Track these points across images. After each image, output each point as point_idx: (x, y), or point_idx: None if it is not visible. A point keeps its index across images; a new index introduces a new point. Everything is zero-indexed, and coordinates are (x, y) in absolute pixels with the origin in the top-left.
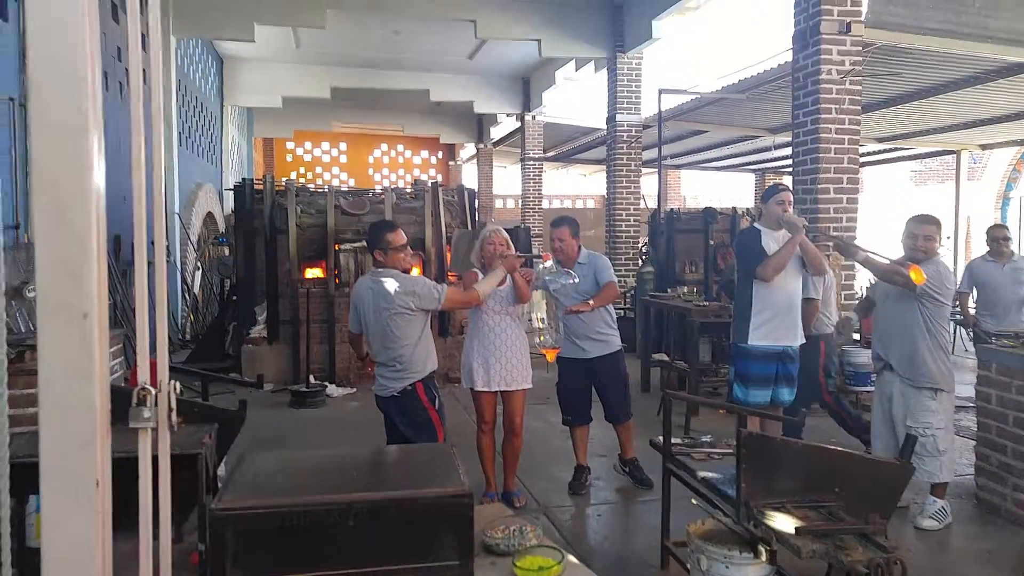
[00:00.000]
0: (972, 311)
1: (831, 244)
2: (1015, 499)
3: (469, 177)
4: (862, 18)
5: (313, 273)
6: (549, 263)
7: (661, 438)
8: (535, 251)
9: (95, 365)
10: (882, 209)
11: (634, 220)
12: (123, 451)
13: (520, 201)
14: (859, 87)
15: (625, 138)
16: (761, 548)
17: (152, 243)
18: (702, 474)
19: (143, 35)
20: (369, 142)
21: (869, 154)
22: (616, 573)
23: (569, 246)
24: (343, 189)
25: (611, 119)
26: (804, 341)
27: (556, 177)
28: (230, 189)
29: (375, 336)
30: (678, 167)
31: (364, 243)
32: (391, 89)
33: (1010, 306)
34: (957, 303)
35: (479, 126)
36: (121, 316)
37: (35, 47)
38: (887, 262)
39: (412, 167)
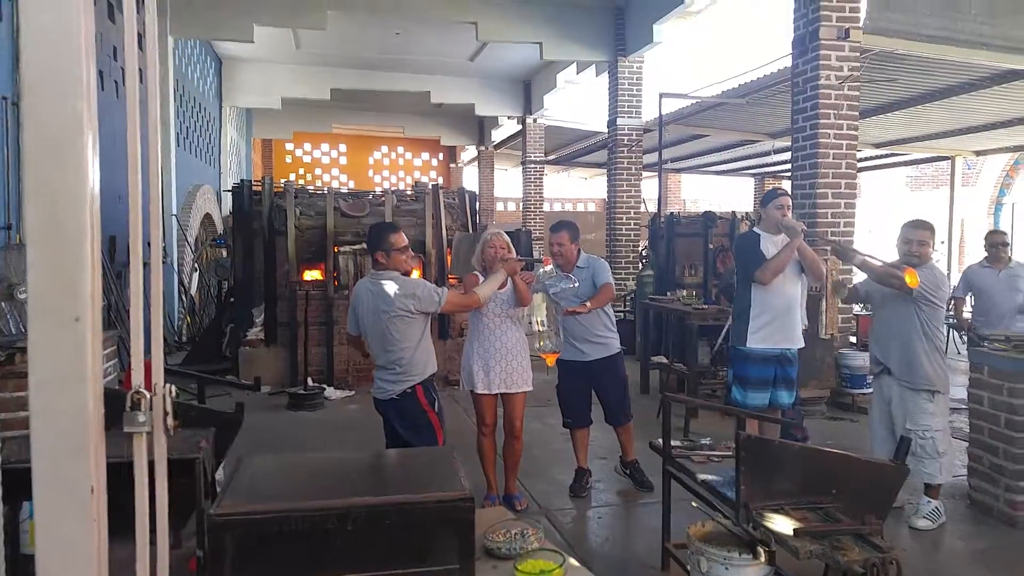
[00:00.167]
0: (967, 316)
1: (828, 248)
2: (1007, 499)
3: (470, 180)
4: (860, 24)
5: (312, 275)
6: (549, 267)
7: (661, 440)
8: (536, 254)
9: (87, 369)
10: (878, 214)
11: (634, 224)
12: (119, 456)
13: (521, 204)
14: (857, 92)
15: (626, 142)
16: (760, 549)
17: (148, 244)
18: (702, 476)
19: (139, 35)
20: (369, 144)
21: (866, 159)
22: (618, 575)
23: (568, 251)
24: (343, 191)
25: (612, 123)
26: (803, 345)
27: (557, 180)
28: (228, 190)
29: (374, 339)
30: (678, 171)
31: (364, 245)
32: (391, 91)
33: (1004, 313)
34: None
35: (480, 128)
36: (115, 318)
37: (29, 47)
38: (883, 265)
39: (412, 169)
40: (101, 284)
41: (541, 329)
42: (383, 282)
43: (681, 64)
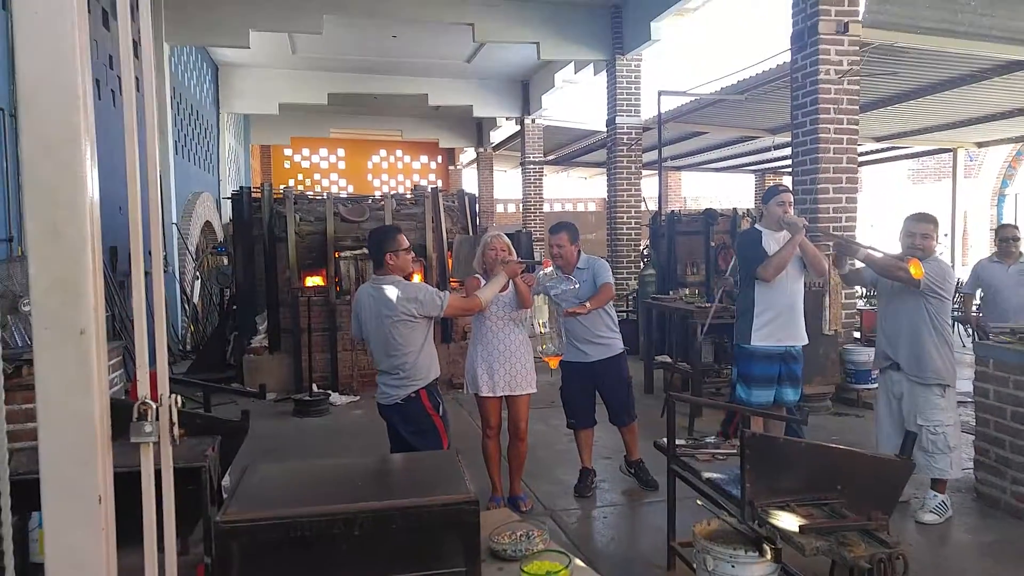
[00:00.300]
0: (976, 313)
1: (831, 244)
2: (1014, 492)
3: (469, 182)
4: (859, 18)
5: (313, 281)
6: (549, 269)
7: (665, 440)
8: (537, 256)
9: (94, 381)
10: (880, 208)
11: (635, 223)
12: (126, 465)
13: (521, 205)
14: (857, 87)
15: (625, 140)
16: (766, 547)
17: (149, 253)
18: (707, 475)
19: (135, 42)
20: (368, 148)
21: (867, 153)
22: (623, 575)
23: (567, 252)
24: (342, 196)
25: (611, 121)
26: (807, 342)
27: (557, 181)
28: (228, 198)
29: (377, 344)
30: (678, 169)
31: (365, 250)
32: (389, 94)
33: (1009, 309)
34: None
35: (479, 130)
36: (120, 328)
37: (23, 59)
38: (887, 257)
39: (412, 172)
40: (104, 294)
41: (543, 332)
42: (385, 287)
43: (680, 62)
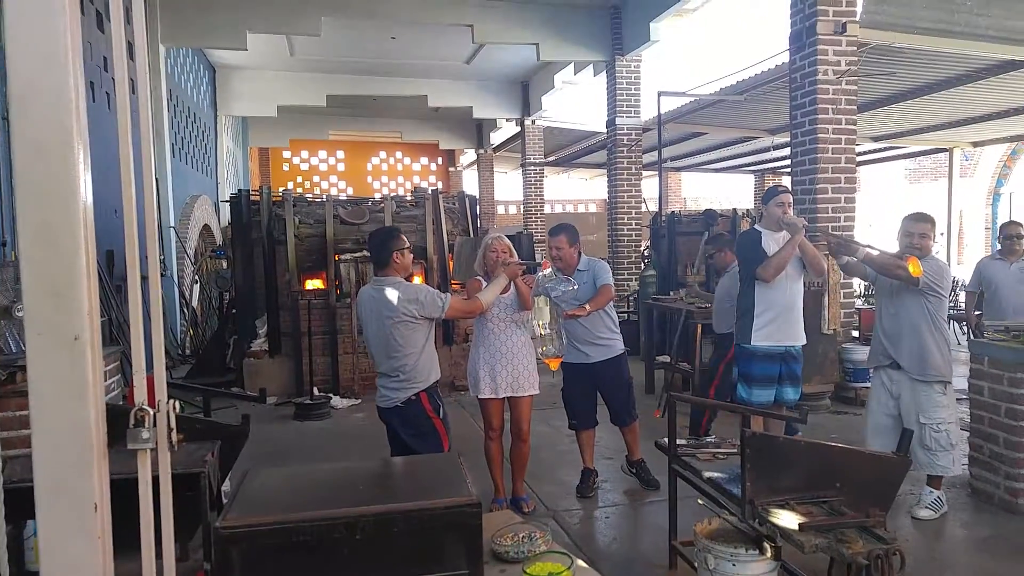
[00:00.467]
0: (977, 313)
1: (827, 243)
2: (1008, 487)
3: (470, 183)
4: (857, 18)
5: (313, 284)
6: (548, 271)
7: (666, 440)
8: (538, 258)
9: (88, 388)
10: (878, 207)
11: (636, 223)
12: (124, 472)
13: (522, 207)
14: (855, 87)
15: (625, 141)
16: (766, 545)
17: (146, 257)
18: (707, 474)
19: (129, 44)
20: (367, 150)
21: (864, 153)
22: (625, 575)
23: (566, 254)
24: (342, 198)
25: (611, 123)
26: (805, 342)
27: (558, 182)
28: (226, 201)
29: (377, 345)
30: (678, 169)
31: (365, 253)
32: (388, 95)
33: (1008, 307)
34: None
35: (479, 131)
36: (117, 333)
37: (14, 60)
38: (886, 256)
39: (411, 174)
40: (99, 299)
41: (543, 333)
42: (386, 288)
43: (679, 62)
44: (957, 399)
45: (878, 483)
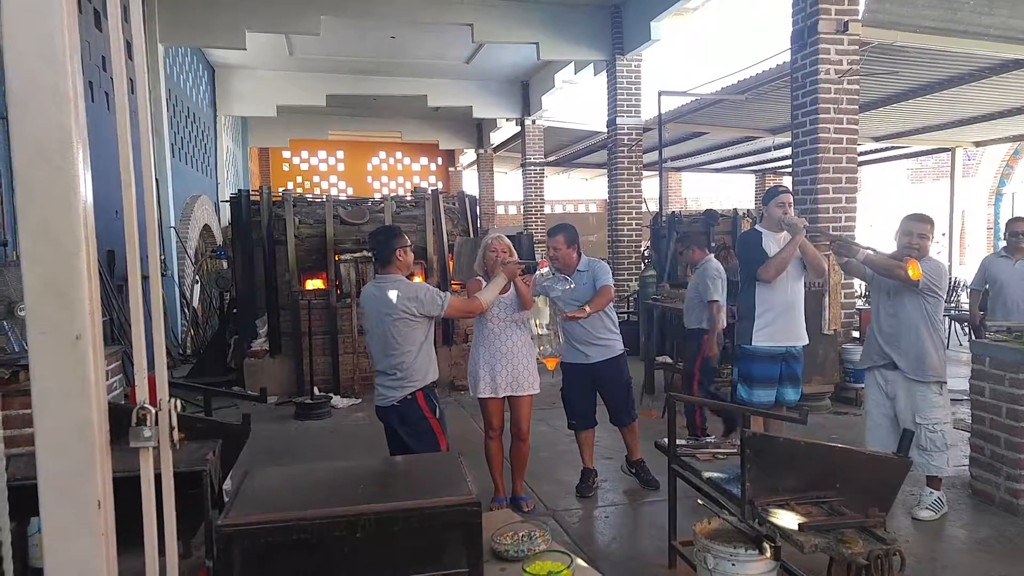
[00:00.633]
0: (981, 312)
1: (829, 243)
2: (1008, 488)
3: (470, 183)
4: (859, 17)
5: (314, 284)
6: (545, 270)
7: (666, 440)
8: (537, 258)
9: (91, 387)
10: (880, 207)
11: (636, 224)
12: (126, 470)
13: (522, 207)
14: (857, 86)
15: (626, 141)
16: (766, 545)
17: (146, 257)
18: (707, 474)
19: (128, 43)
20: (367, 149)
21: (866, 153)
22: (625, 574)
23: (563, 254)
24: (342, 198)
25: (611, 122)
26: (807, 342)
27: (558, 182)
28: (226, 201)
29: (376, 342)
30: (679, 169)
31: (365, 252)
32: (388, 95)
33: (1012, 306)
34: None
35: (479, 131)
36: (119, 332)
37: (12, 60)
38: (886, 257)
39: (411, 174)
40: (100, 298)
41: (541, 333)
42: (386, 286)
43: (679, 62)
44: (957, 399)
45: (878, 484)
